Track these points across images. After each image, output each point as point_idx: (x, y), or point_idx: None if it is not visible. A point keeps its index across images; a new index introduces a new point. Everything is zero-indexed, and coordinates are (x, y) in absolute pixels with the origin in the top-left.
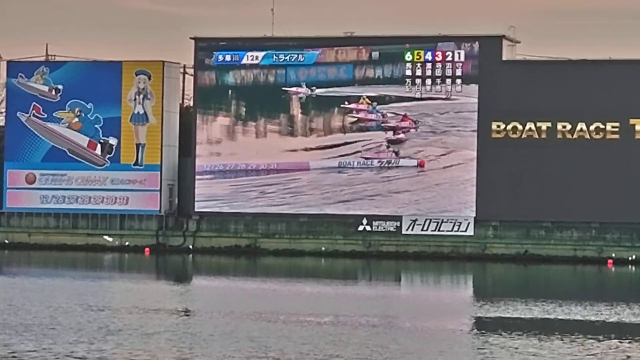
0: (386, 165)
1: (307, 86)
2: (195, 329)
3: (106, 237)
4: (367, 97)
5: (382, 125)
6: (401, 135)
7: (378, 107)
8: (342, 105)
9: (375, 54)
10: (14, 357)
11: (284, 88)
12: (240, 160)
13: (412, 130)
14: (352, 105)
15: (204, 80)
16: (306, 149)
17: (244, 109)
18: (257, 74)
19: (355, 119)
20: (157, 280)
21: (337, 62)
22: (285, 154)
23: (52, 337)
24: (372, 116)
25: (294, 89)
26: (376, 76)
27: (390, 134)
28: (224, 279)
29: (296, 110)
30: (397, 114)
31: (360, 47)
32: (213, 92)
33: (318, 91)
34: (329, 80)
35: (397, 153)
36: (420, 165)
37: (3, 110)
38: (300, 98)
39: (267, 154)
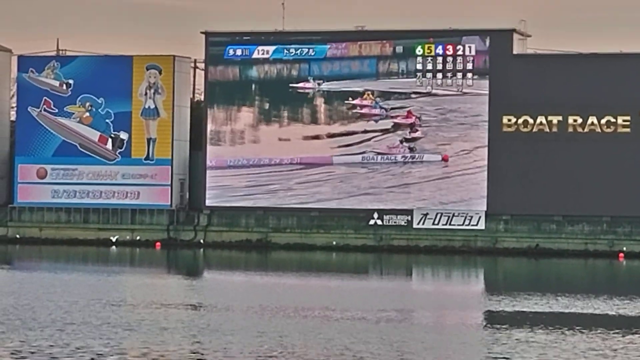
0: (410, 160)
1: (314, 80)
2: (208, 324)
3: (112, 239)
4: (372, 92)
5: (391, 122)
6: (417, 133)
7: (383, 102)
8: (346, 102)
9: (393, 48)
10: (31, 352)
11: (291, 85)
12: (254, 155)
13: (421, 126)
14: (357, 101)
15: (215, 75)
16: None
17: (256, 104)
18: (270, 68)
19: (358, 115)
20: (169, 275)
21: (348, 56)
22: (303, 148)
23: (67, 333)
24: (376, 111)
25: (301, 84)
26: (387, 70)
27: (403, 132)
28: (235, 273)
29: (306, 105)
30: (402, 107)
31: (371, 41)
32: (224, 86)
33: (325, 86)
34: (342, 74)
35: (412, 149)
36: (444, 159)
37: (14, 105)
38: (308, 93)
39: (282, 149)
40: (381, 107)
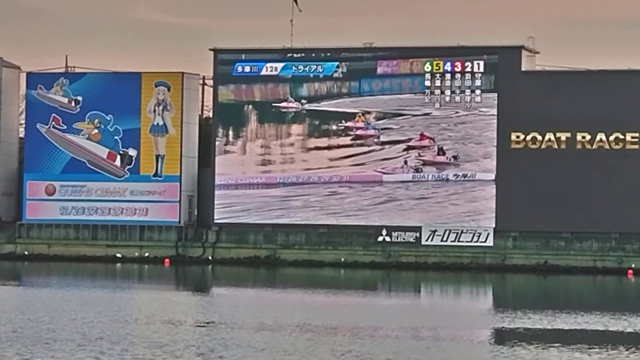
0: (462, 179)
1: (296, 100)
2: (218, 340)
3: (117, 255)
4: (364, 113)
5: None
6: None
7: (375, 123)
8: (339, 124)
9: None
10: None
11: (274, 104)
12: (263, 173)
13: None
14: (350, 124)
15: (224, 92)
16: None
17: (258, 121)
18: (273, 87)
19: (353, 136)
20: (177, 291)
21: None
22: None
23: (77, 349)
24: (371, 132)
25: (283, 104)
26: (390, 88)
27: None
28: (244, 290)
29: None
30: (389, 128)
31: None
32: (233, 103)
33: (308, 106)
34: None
35: (417, 170)
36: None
37: (23, 121)
38: (291, 113)
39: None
40: (373, 128)
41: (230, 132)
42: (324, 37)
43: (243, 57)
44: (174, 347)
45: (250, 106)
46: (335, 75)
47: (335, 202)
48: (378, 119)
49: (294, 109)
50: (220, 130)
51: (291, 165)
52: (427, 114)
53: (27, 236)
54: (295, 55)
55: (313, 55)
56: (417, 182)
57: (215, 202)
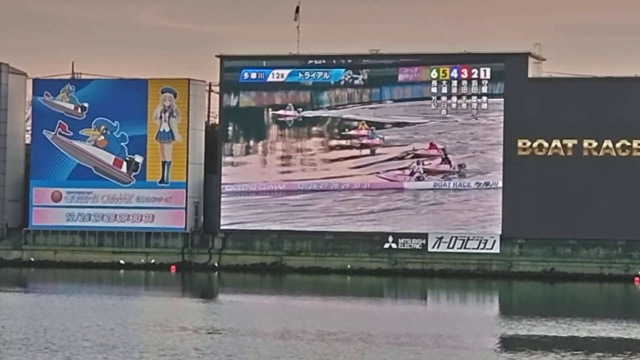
0: (484, 187)
1: (294, 108)
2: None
3: (121, 261)
4: (365, 122)
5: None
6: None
7: (379, 131)
8: (343, 133)
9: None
10: None
11: (272, 112)
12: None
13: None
14: (353, 132)
15: (230, 98)
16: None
17: (267, 127)
18: (282, 94)
19: (359, 144)
20: (185, 298)
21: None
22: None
23: (84, 356)
24: (377, 141)
25: (280, 111)
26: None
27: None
28: (250, 296)
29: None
30: (424, 141)
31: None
32: (239, 110)
33: (305, 113)
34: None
35: (419, 178)
36: None
37: (29, 128)
38: (289, 122)
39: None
40: (377, 137)
41: (236, 139)
42: (329, 44)
43: (264, 64)
44: (188, 355)
45: (256, 113)
46: (356, 82)
47: (342, 210)
48: (385, 127)
49: (291, 117)
50: (226, 136)
51: (297, 174)
52: (433, 121)
53: (33, 243)
54: (312, 61)
55: (323, 61)
56: (440, 190)
57: (222, 208)
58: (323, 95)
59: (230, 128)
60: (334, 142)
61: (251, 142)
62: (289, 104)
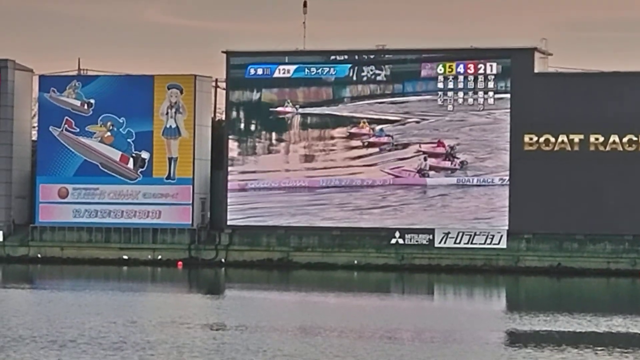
0: (507, 183)
1: (292, 105)
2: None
3: (124, 257)
4: (367, 120)
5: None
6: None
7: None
8: (349, 131)
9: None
10: None
11: (271, 109)
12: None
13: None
14: (354, 130)
15: (236, 94)
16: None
17: (273, 124)
18: (317, 90)
19: (366, 143)
20: (192, 294)
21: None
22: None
23: (93, 352)
24: (385, 139)
25: (280, 108)
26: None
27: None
28: (258, 292)
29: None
30: (431, 137)
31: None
32: (244, 106)
33: (302, 110)
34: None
35: (423, 175)
36: None
37: (36, 124)
38: (288, 118)
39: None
40: (385, 134)
41: (242, 134)
42: (335, 40)
43: (286, 60)
44: (199, 352)
45: (263, 107)
46: (379, 78)
47: (348, 205)
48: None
49: (290, 114)
50: (232, 132)
51: (303, 171)
52: (440, 117)
53: (40, 239)
54: (338, 57)
55: (346, 57)
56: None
57: (228, 205)
58: (334, 90)
59: (236, 123)
60: (341, 139)
61: (257, 138)
62: (287, 100)
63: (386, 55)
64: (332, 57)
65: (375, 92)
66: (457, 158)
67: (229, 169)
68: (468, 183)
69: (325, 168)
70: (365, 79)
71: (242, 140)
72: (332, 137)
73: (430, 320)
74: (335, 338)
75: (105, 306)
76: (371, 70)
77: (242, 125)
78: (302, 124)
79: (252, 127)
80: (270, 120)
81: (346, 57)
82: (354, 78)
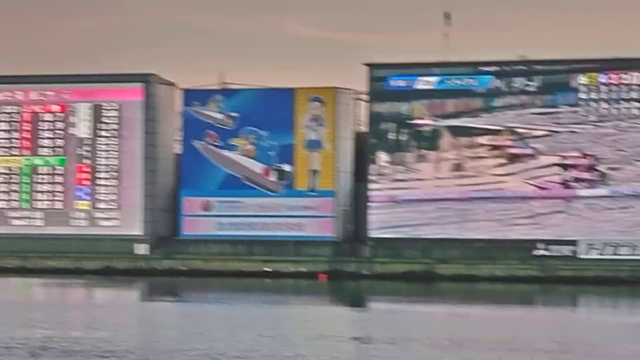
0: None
1: (437, 116)
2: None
3: (267, 269)
4: (507, 130)
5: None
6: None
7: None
8: (485, 143)
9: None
10: None
11: (415, 121)
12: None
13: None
14: (498, 142)
15: (378, 106)
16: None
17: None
18: (467, 101)
19: (510, 155)
20: (334, 306)
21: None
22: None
23: None
24: (529, 151)
25: (424, 120)
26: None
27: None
28: (401, 304)
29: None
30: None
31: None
32: (387, 117)
33: (447, 122)
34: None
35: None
36: None
37: (179, 138)
38: (432, 130)
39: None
40: (528, 146)
41: (384, 147)
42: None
43: (434, 71)
44: None
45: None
46: (528, 89)
47: (493, 217)
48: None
49: (434, 125)
50: (374, 144)
51: (449, 181)
52: (583, 129)
53: (184, 252)
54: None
55: (475, 68)
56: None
57: (371, 217)
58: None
59: (379, 136)
60: (486, 149)
61: (400, 151)
62: (430, 112)
63: (534, 66)
64: (479, 68)
65: (525, 103)
66: (600, 170)
67: (371, 180)
68: (614, 195)
69: (471, 179)
70: (513, 89)
71: (386, 153)
72: (477, 147)
73: (577, 333)
74: (487, 351)
75: (252, 319)
76: (519, 81)
77: (385, 137)
78: (447, 136)
79: (395, 139)
80: (413, 133)
81: (496, 68)
82: (503, 89)
